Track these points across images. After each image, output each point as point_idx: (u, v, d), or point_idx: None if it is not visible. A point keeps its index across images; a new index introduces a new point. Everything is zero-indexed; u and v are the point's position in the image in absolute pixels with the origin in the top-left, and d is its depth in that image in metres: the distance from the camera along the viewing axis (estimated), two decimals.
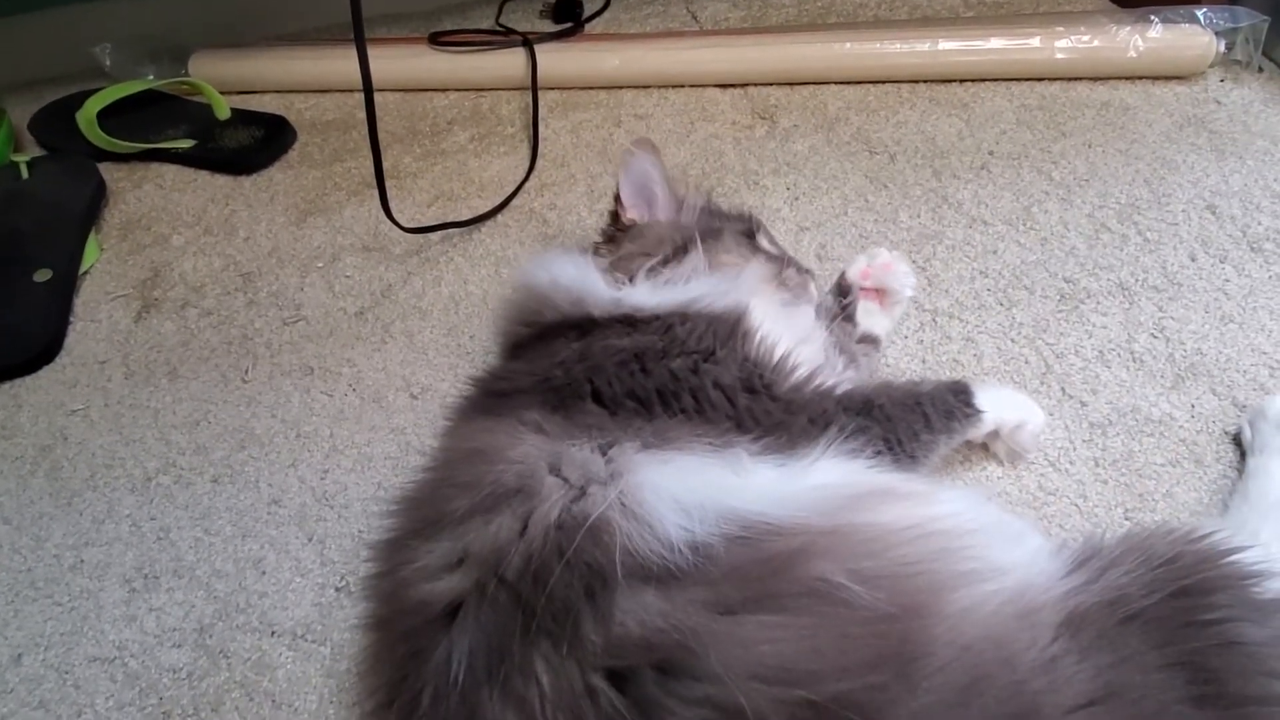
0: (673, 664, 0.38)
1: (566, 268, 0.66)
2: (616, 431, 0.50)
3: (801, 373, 0.58)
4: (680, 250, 0.66)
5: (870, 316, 0.72)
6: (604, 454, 0.48)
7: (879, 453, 0.54)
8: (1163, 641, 0.40)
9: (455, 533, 0.45)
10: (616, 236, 0.70)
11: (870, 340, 0.72)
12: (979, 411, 0.62)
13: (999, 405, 0.64)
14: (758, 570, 0.41)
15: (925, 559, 0.42)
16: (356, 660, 0.59)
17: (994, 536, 0.46)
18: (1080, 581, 0.43)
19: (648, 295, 0.62)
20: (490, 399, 0.58)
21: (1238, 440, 0.67)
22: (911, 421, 0.58)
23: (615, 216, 0.72)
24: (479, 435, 0.53)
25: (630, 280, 0.64)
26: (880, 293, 0.73)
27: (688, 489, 0.44)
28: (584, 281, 0.64)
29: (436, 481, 0.52)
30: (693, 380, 0.54)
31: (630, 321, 0.60)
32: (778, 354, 0.58)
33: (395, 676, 0.43)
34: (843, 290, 0.73)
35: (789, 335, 0.60)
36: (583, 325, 0.60)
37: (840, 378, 0.62)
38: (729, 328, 0.58)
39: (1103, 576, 0.43)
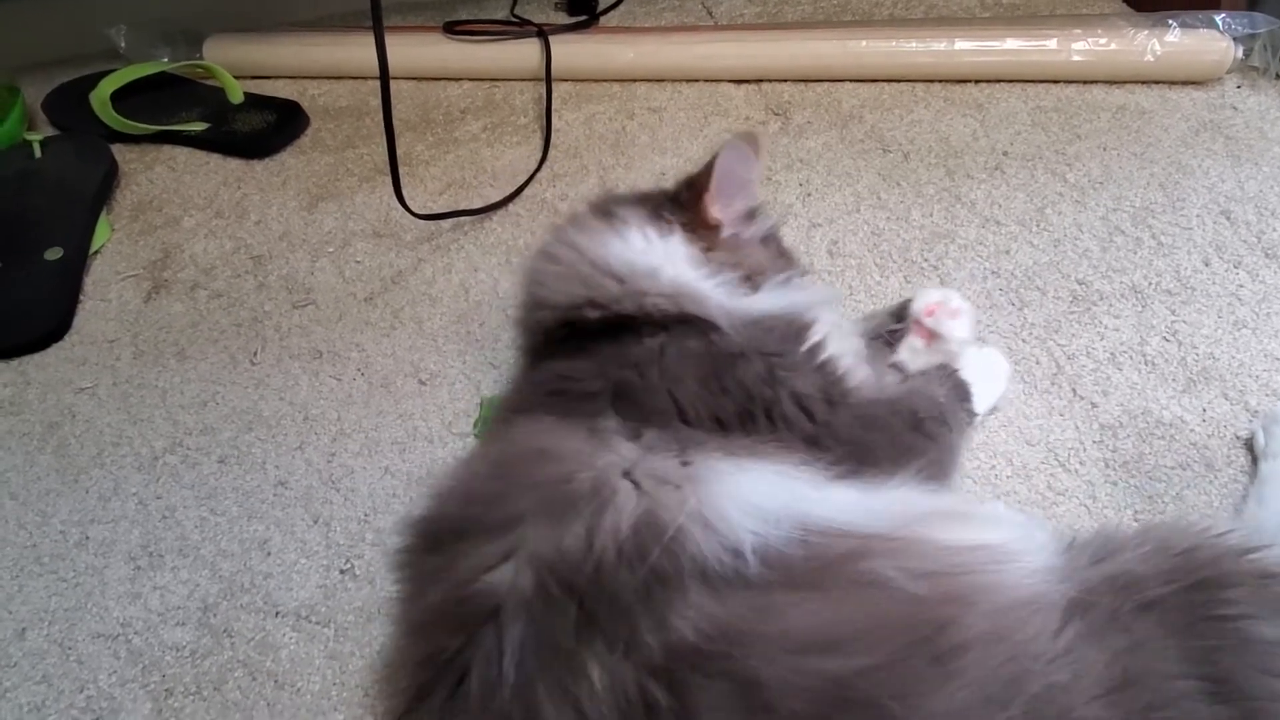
0: (713, 657, 0.38)
1: (653, 252, 0.61)
2: (694, 439, 0.49)
3: (869, 388, 0.58)
4: (788, 262, 0.65)
5: (911, 351, 0.70)
6: (681, 461, 0.47)
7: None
8: (1179, 632, 0.40)
9: (518, 532, 0.44)
10: (699, 230, 0.64)
11: (897, 369, 0.70)
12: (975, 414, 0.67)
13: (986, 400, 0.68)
14: (810, 565, 0.41)
15: (974, 567, 0.42)
16: (389, 649, 0.57)
17: (1037, 553, 0.46)
18: (1090, 562, 0.43)
19: (760, 304, 0.60)
20: (555, 398, 0.55)
21: (1250, 445, 0.67)
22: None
23: (688, 201, 0.65)
24: (544, 435, 0.51)
25: (755, 291, 0.61)
26: (932, 334, 0.70)
27: (765, 498, 0.44)
28: (686, 280, 0.59)
29: (495, 477, 0.50)
30: (771, 393, 0.53)
31: (718, 326, 0.57)
32: (843, 367, 0.58)
33: (439, 667, 0.43)
34: (899, 316, 0.71)
35: (846, 348, 0.60)
36: (665, 323, 0.57)
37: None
38: (805, 338, 0.58)
39: (1114, 558, 0.43)
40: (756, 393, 0.53)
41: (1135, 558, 0.43)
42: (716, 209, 0.63)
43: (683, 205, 0.64)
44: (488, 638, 0.41)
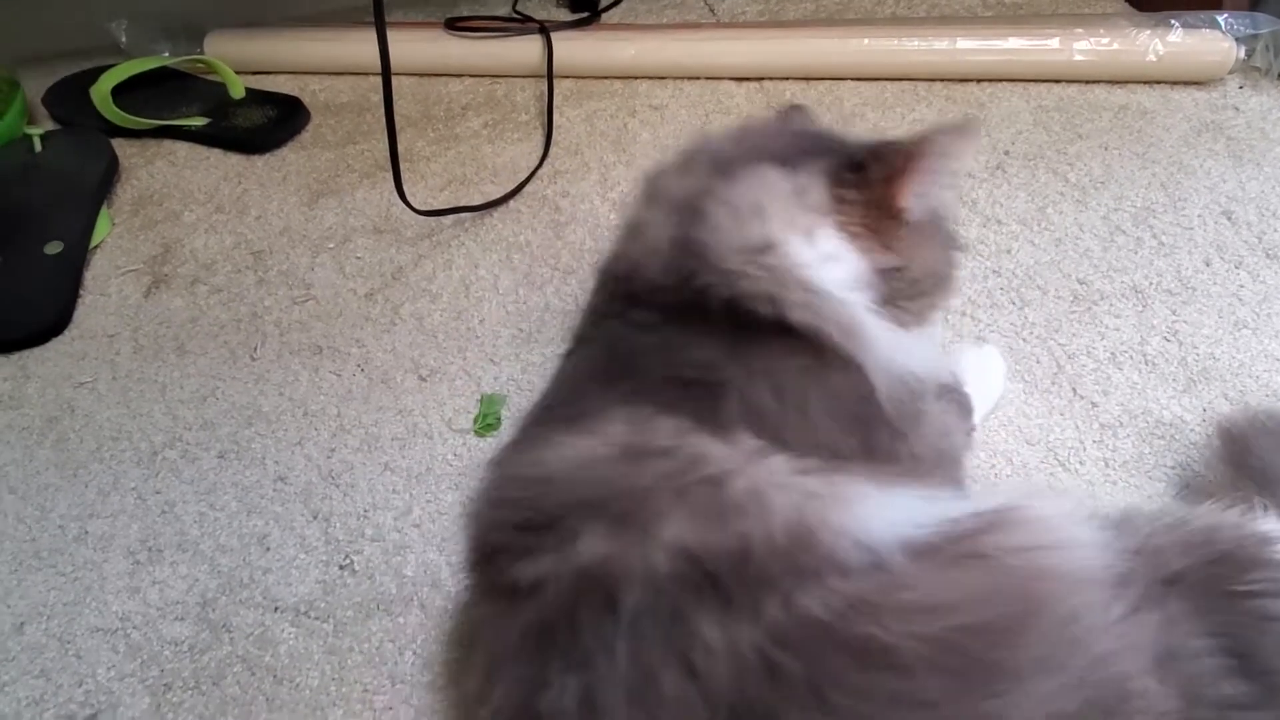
0: (840, 628, 0.39)
1: (817, 244, 0.50)
2: (839, 456, 0.47)
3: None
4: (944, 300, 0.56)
5: None
6: (827, 476, 0.45)
7: None
8: (1202, 607, 0.41)
9: (650, 523, 0.42)
10: (874, 215, 0.51)
11: None
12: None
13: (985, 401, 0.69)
14: (932, 552, 0.42)
15: (1050, 543, 0.43)
16: (473, 620, 0.54)
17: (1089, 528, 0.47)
18: (1122, 537, 0.44)
19: (911, 357, 0.51)
20: (683, 390, 0.47)
21: None
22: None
23: (876, 175, 0.51)
24: (681, 436, 0.46)
25: (917, 325, 0.53)
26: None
27: (898, 508, 0.44)
28: (846, 299, 0.49)
29: (617, 462, 0.45)
30: (899, 446, 0.51)
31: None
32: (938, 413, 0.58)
33: (544, 631, 0.42)
34: None
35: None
36: (811, 342, 0.48)
37: None
38: (927, 394, 0.55)
39: (1139, 532, 0.44)
40: (884, 444, 0.50)
41: (1159, 529, 0.44)
42: (909, 196, 0.51)
43: (866, 176, 0.51)
44: (601, 609, 0.41)
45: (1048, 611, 0.40)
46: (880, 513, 0.43)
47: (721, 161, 0.54)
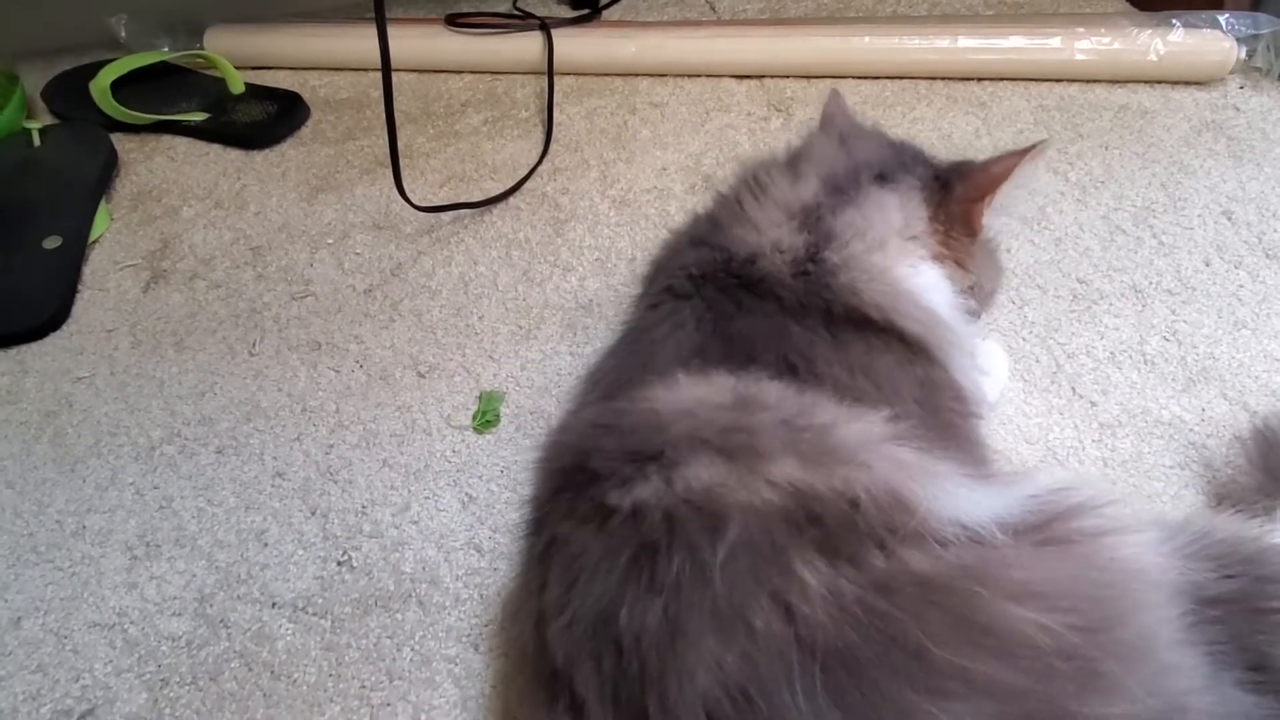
0: (941, 588, 0.40)
1: (928, 280, 0.58)
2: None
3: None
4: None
5: None
6: (917, 450, 0.47)
7: None
8: (1236, 631, 0.42)
9: (763, 462, 0.44)
10: (954, 231, 0.60)
11: None
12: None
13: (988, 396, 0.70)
14: (1029, 526, 0.43)
15: (1126, 540, 0.44)
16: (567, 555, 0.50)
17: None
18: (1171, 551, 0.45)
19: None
20: (790, 369, 0.53)
21: None
22: None
23: (961, 193, 0.59)
24: (788, 396, 0.49)
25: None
26: None
27: (984, 490, 0.45)
28: (942, 306, 0.58)
29: (729, 409, 0.48)
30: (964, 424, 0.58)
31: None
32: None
33: (640, 550, 0.42)
34: None
35: None
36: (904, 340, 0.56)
37: None
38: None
39: (1181, 550, 0.45)
40: (960, 428, 0.57)
41: (1187, 541, 0.45)
42: (988, 215, 0.59)
43: (950, 193, 0.60)
44: (701, 536, 0.41)
45: (1137, 616, 0.40)
46: (969, 493, 0.44)
47: (834, 177, 0.60)
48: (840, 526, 0.41)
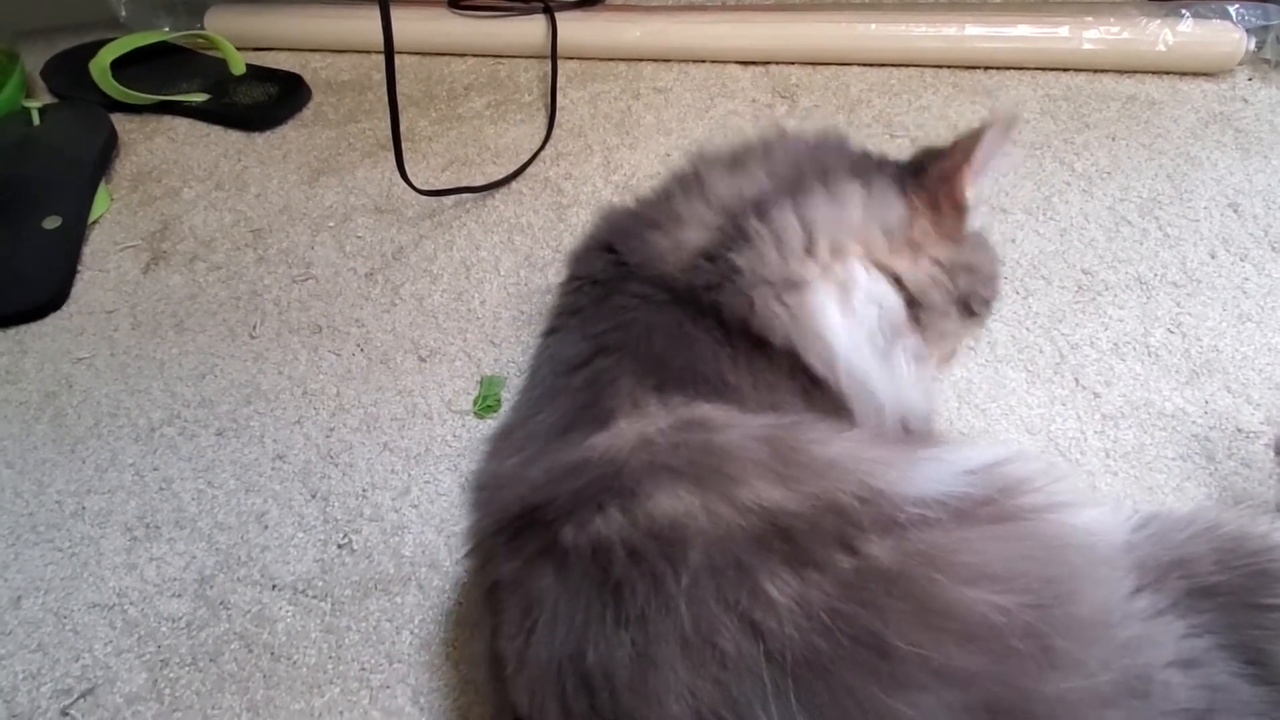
0: (904, 580, 0.39)
1: (857, 300, 0.52)
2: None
3: None
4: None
5: None
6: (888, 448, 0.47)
7: None
8: (1232, 621, 0.42)
9: (727, 484, 0.43)
10: (944, 219, 0.53)
11: None
12: None
13: None
14: (974, 503, 0.43)
15: (1069, 515, 0.45)
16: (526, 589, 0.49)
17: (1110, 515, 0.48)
18: (1147, 539, 0.45)
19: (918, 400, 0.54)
20: (706, 383, 0.50)
21: (1277, 446, 0.65)
22: None
23: (935, 173, 0.53)
24: (728, 413, 0.48)
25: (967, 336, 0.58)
26: None
27: (928, 466, 0.45)
28: (867, 363, 0.52)
29: (678, 431, 0.46)
30: None
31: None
32: None
33: (604, 579, 0.42)
34: None
35: None
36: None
37: None
38: None
39: (1168, 539, 0.45)
40: None
41: (1192, 534, 0.45)
42: (971, 188, 0.52)
43: (929, 176, 0.54)
44: (663, 563, 0.40)
45: (1090, 591, 0.40)
46: (916, 472, 0.43)
47: (783, 172, 0.55)
48: (808, 535, 0.40)
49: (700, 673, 0.38)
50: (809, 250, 0.52)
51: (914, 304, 0.53)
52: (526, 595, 0.44)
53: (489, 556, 0.48)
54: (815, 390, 0.51)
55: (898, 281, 0.53)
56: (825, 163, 0.55)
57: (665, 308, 0.52)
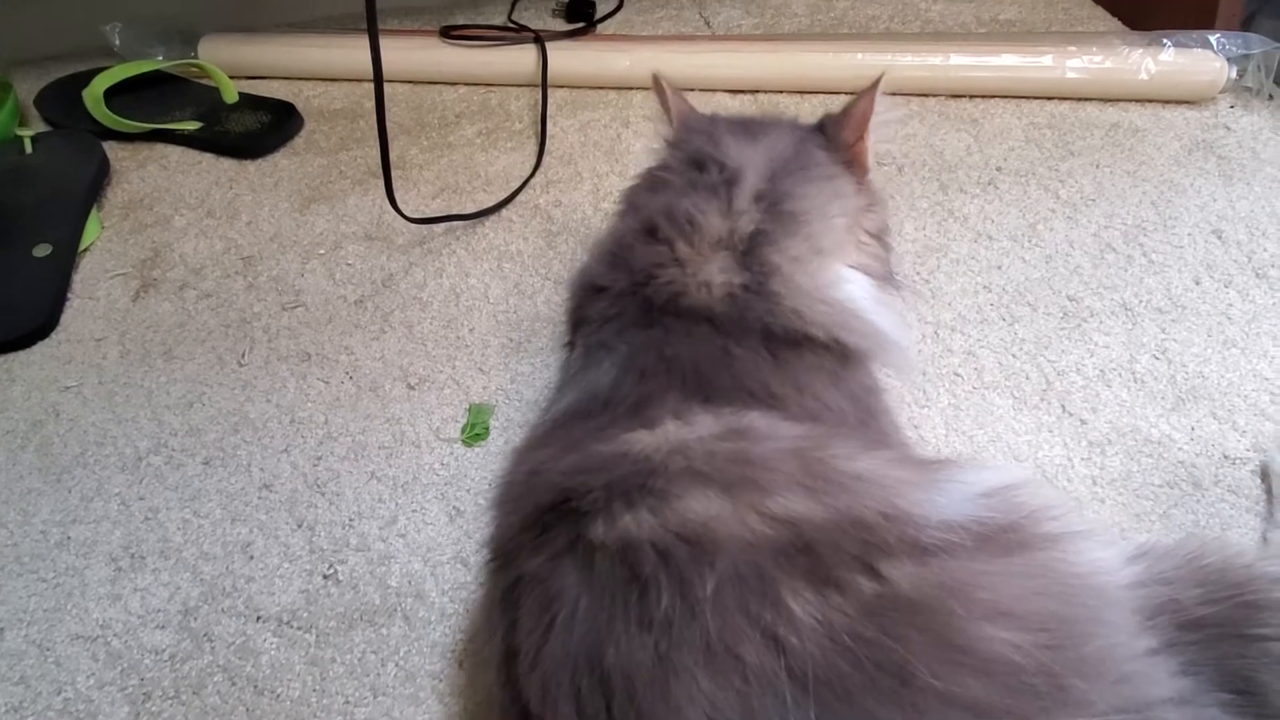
0: (924, 610, 0.40)
1: (861, 281, 0.60)
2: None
3: None
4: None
5: None
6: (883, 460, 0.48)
7: None
8: (1219, 655, 0.42)
9: (757, 493, 0.44)
10: (850, 162, 0.63)
11: None
12: None
13: None
14: (994, 531, 0.43)
15: (1080, 552, 0.45)
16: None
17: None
18: (1140, 571, 0.45)
19: (886, 321, 0.60)
20: (751, 397, 0.53)
21: (1263, 473, 0.66)
22: None
23: (835, 124, 0.63)
24: (772, 422, 0.50)
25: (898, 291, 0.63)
26: None
27: (943, 490, 0.45)
28: (883, 316, 0.59)
29: (719, 439, 0.48)
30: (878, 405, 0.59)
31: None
32: None
33: (628, 581, 0.42)
34: None
35: None
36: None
37: None
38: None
39: (1156, 570, 0.45)
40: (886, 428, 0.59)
41: (1175, 574, 0.45)
42: (869, 136, 0.62)
43: (834, 135, 0.63)
44: (691, 568, 0.40)
45: (1098, 633, 0.41)
46: (938, 493, 0.44)
47: (765, 187, 0.60)
48: (831, 552, 0.41)
49: (721, 682, 0.38)
50: (820, 252, 0.58)
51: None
52: (548, 591, 0.44)
53: (512, 555, 0.48)
54: (843, 370, 0.56)
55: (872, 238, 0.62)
56: (792, 167, 0.61)
57: (706, 336, 0.55)
